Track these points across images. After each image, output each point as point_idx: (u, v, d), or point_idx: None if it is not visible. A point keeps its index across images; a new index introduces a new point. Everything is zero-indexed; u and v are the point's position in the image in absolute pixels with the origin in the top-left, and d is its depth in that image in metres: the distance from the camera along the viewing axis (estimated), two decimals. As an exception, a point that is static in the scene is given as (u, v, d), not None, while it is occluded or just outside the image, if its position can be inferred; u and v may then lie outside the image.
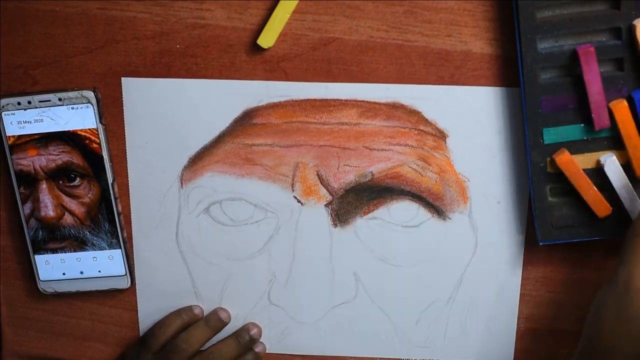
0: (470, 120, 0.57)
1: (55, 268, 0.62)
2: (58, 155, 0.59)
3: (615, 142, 0.55)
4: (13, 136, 0.59)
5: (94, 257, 0.62)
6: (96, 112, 0.59)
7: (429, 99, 0.57)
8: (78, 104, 0.58)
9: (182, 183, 0.60)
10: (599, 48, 0.53)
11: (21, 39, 0.58)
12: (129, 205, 0.61)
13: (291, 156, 0.59)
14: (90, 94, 0.58)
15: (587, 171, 0.55)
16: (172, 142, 0.60)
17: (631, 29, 0.52)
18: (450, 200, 0.59)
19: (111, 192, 0.60)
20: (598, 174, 0.55)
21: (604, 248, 0.59)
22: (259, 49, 0.57)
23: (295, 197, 0.60)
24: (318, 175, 0.59)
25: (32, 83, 0.59)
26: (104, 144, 0.59)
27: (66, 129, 0.59)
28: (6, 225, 0.63)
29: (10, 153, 0.60)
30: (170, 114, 0.59)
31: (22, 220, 0.61)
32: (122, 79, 0.59)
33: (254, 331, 0.62)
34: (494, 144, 0.58)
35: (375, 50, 0.56)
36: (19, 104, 0.59)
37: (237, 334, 0.62)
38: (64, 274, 0.62)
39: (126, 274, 0.62)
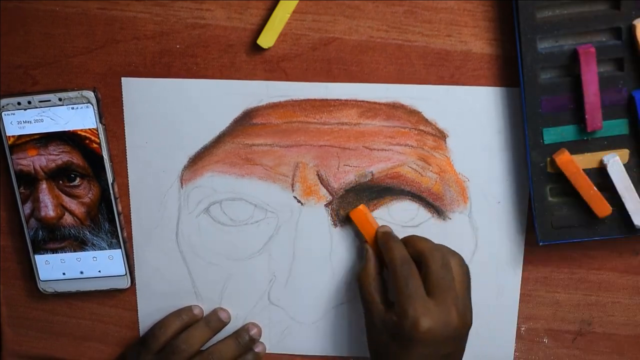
0: (470, 120, 0.57)
1: (55, 268, 0.62)
2: (58, 155, 0.59)
3: (615, 142, 0.55)
4: (13, 136, 0.59)
5: (94, 257, 0.62)
6: (96, 112, 0.59)
7: (429, 99, 0.57)
8: (78, 104, 0.58)
9: (182, 183, 0.60)
10: (599, 48, 0.53)
11: (21, 39, 0.58)
12: (129, 205, 0.61)
13: (291, 156, 0.59)
14: (90, 94, 0.58)
15: (587, 171, 0.55)
16: (172, 142, 0.60)
17: (631, 29, 0.52)
18: (450, 200, 0.59)
19: (111, 192, 0.60)
20: (598, 174, 0.55)
21: (604, 248, 0.59)
22: (259, 49, 0.57)
23: (295, 197, 0.60)
24: (318, 175, 0.59)
25: (32, 83, 0.59)
26: (104, 144, 0.59)
27: (66, 129, 0.59)
28: (6, 225, 0.63)
29: (10, 153, 0.60)
30: (170, 114, 0.59)
31: (22, 220, 0.61)
32: (122, 79, 0.59)
33: (253, 331, 0.62)
34: (494, 144, 0.58)
35: (375, 50, 0.56)
36: (19, 104, 0.59)
37: (237, 334, 0.62)
38: (64, 274, 0.62)
39: (126, 274, 0.62)
